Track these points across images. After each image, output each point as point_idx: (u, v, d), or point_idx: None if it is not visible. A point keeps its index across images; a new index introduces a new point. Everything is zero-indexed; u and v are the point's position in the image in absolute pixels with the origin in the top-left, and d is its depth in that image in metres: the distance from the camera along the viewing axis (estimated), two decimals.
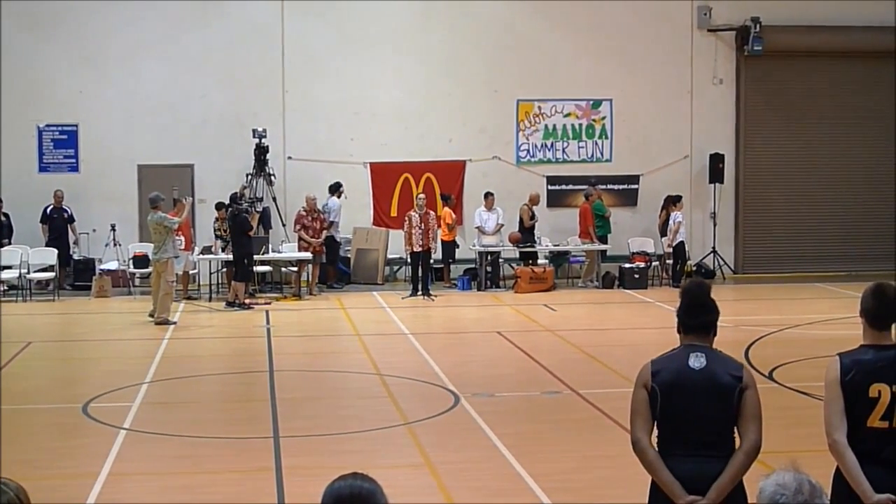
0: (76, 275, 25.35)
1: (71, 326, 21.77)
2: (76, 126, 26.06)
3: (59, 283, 24.58)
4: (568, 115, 27.44)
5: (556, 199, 27.36)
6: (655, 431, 5.99)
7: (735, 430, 5.90)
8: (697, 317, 6.02)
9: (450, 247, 25.68)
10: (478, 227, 25.60)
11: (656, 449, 5.94)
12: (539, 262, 25.91)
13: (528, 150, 27.43)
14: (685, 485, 5.80)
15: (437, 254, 25.31)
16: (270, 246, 24.34)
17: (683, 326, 6.05)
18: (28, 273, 24.23)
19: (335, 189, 25.61)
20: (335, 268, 25.76)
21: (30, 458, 11.27)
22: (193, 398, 14.89)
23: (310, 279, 24.71)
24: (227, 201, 23.88)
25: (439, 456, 11.34)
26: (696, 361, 5.90)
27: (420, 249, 23.96)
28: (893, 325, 6.12)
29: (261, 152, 25.33)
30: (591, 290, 25.43)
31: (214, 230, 24.49)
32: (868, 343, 6.08)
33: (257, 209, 24.38)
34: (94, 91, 25.97)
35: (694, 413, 5.85)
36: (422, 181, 26.80)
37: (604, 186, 26.83)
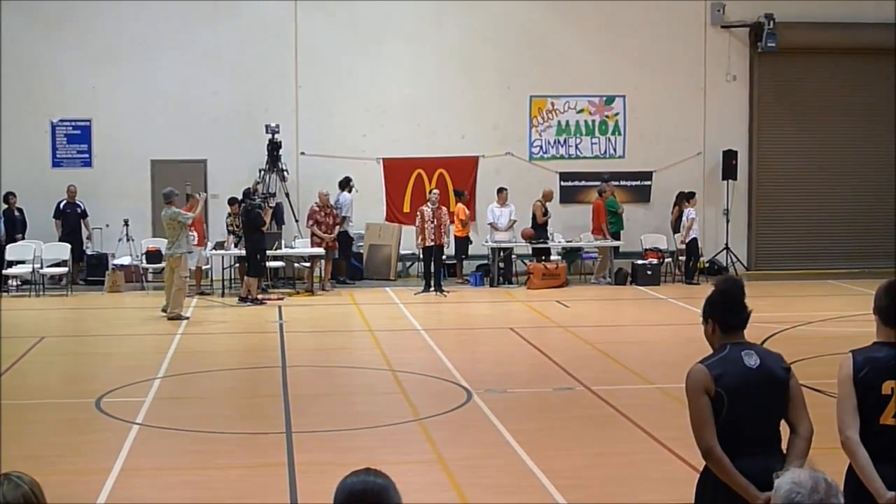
0: (89, 270, 25.40)
1: (84, 321, 21.81)
2: (89, 121, 26.11)
3: (72, 278, 24.63)
4: (581, 111, 27.41)
5: (568, 196, 27.34)
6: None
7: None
8: (739, 314, 6.03)
9: (463, 243, 25.68)
10: (490, 224, 25.58)
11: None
12: (552, 258, 25.90)
13: (541, 147, 27.41)
14: (757, 484, 5.76)
15: (450, 249, 25.32)
16: (283, 241, 24.36)
17: (725, 325, 6.02)
18: (41, 268, 24.30)
19: (345, 184, 25.61)
20: (348, 263, 25.77)
21: (43, 453, 11.30)
22: (206, 393, 14.91)
23: (322, 275, 24.73)
24: (239, 196, 23.93)
25: (451, 452, 11.34)
26: (751, 360, 5.92)
27: (432, 245, 23.96)
28: None
29: (273, 148, 25.34)
30: (603, 287, 25.41)
31: (227, 225, 24.51)
32: (882, 340, 6.07)
33: (270, 205, 24.38)
34: (107, 86, 26.01)
35: (758, 411, 5.86)
36: (434, 177, 26.80)
37: (617, 183, 26.78)
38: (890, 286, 6.12)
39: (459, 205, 25.58)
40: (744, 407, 5.83)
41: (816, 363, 15.65)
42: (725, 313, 6.03)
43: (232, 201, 24.19)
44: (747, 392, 5.85)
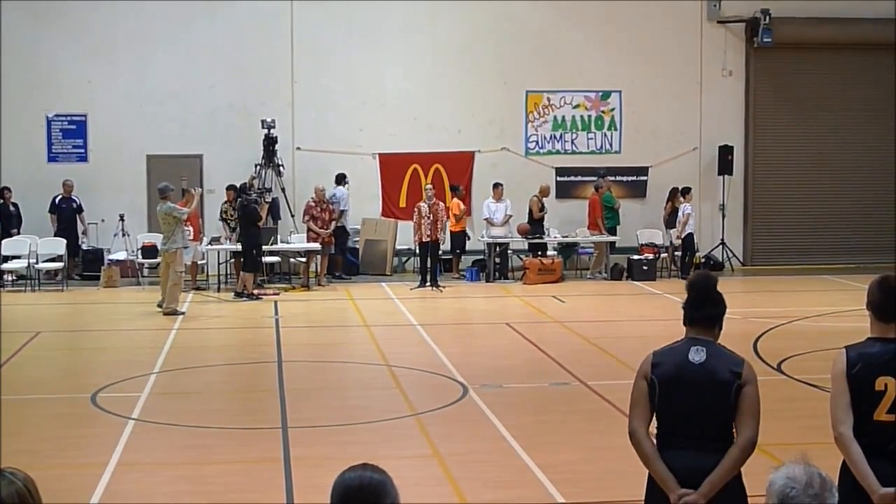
0: (85, 265, 25.37)
1: (79, 316, 21.80)
2: (85, 116, 26.08)
3: (67, 273, 24.61)
4: (577, 106, 27.41)
5: (564, 191, 27.35)
6: (654, 423, 5.99)
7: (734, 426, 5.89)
8: (702, 310, 6.00)
9: (459, 237, 25.69)
10: (486, 219, 25.59)
11: (654, 441, 5.94)
12: (548, 253, 25.90)
13: (537, 142, 27.41)
14: (681, 478, 5.79)
15: (447, 245, 25.32)
16: (279, 236, 24.36)
17: (688, 319, 6.04)
18: (37, 263, 24.26)
19: (341, 179, 25.62)
20: (344, 258, 25.77)
21: (38, 448, 11.30)
22: (202, 388, 14.90)
23: (318, 270, 24.72)
24: (239, 185, 23.97)
25: (447, 447, 11.35)
26: (697, 355, 5.88)
27: (428, 240, 23.96)
28: None
29: (269, 143, 25.33)
30: (599, 282, 25.43)
31: (221, 212, 24.50)
32: (875, 336, 6.08)
33: (266, 200, 24.37)
34: (103, 81, 25.99)
35: (692, 407, 5.84)
36: (430, 172, 26.80)
37: (613, 178, 26.79)
38: (883, 281, 6.12)
39: (454, 199, 25.58)
40: (677, 399, 5.85)
41: (812, 358, 15.70)
42: (689, 306, 6.03)
43: (230, 187, 24.19)
44: (682, 386, 5.85)
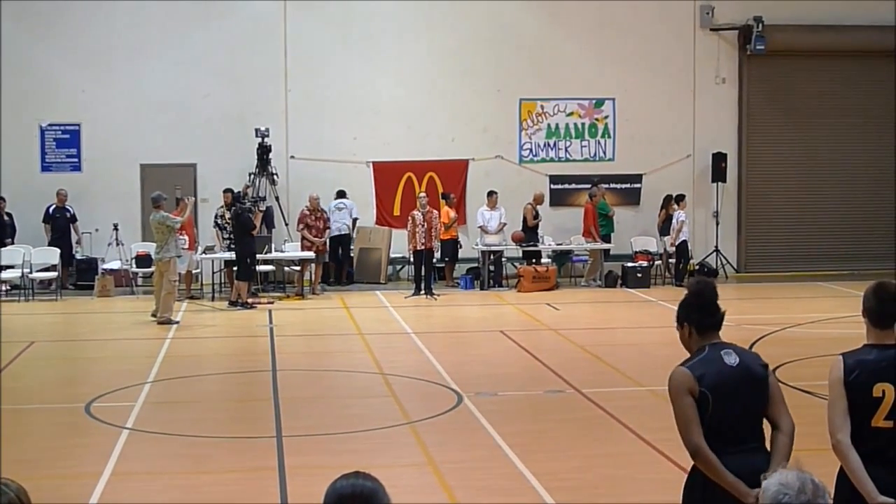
0: (79, 274, 25.36)
1: (73, 326, 21.78)
2: (79, 125, 26.06)
3: (61, 282, 24.59)
4: (571, 114, 27.43)
5: (558, 199, 27.35)
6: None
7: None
8: (714, 315, 6.05)
9: (450, 245, 25.67)
10: (481, 227, 25.60)
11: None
12: (542, 261, 25.91)
13: (531, 150, 27.42)
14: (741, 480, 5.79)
15: (438, 252, 25.33)
16: (273, 245, 24.35)
17: (701, 326, 6.04)
18: (31, 272, 24.23)
19: (343, 194, 25.78)
20: (341, 266, 25.93)
21: (32, 457, 11.27)
22: (196, 398, 14.88)
23: (312, 278, 24.72)
24: (235, 190, 23.97)
25: (442, 455, 11.33)
26: (731, 359, 5.95)
27: (423, 248, 23.96)
28: None
29: (263, 151, 25.35)
30: (593, 290, 25.44)
31: (217, 217, 24.47)
32: (871, 343, 6.07)
33: (260, 208, 24.38)
34: (96, 90, 25.97)
35: (740, 409, 5.89)
36: (424, 180, 26.80)
37: (606, 186, 26.80)
38: (878, 288, 6.12)
39: (445, 207, 25.58)
40: (728, 405, 5.87)
41: (806, 365, 15.69)
42: (701, 315, 6.06)
43: (227, 190, 24.18)
44: (730, 390, 5.88)
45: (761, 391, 5.94)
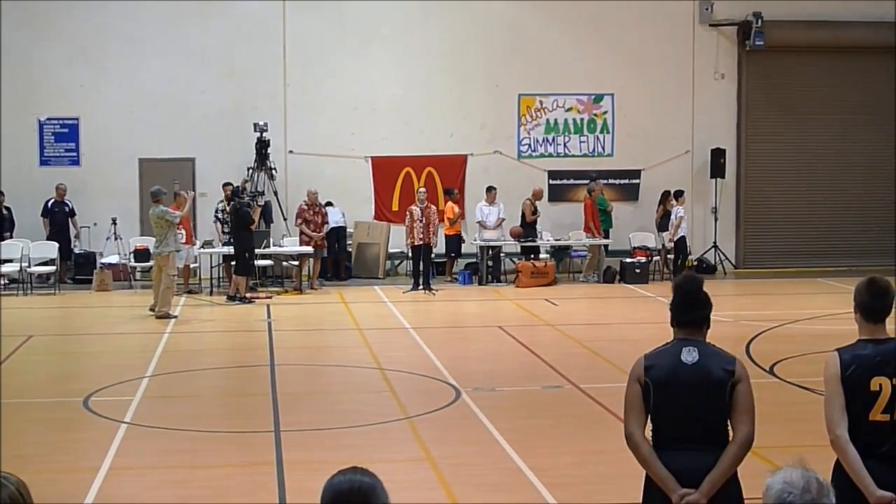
0: (77, 269, 25.36)
1: (72, 320, 21.78)
2: (77, 120, 26.05)
3: (59, 276, 24.58)
4: (569, 109, 27.43)
5: (557, 194, 27.35)
6: (649, 425, 6.00)
7: (729, 423, 5.92)
8: (690, 312, 6.02)
9: (454, 241, 25.65)
10: (479, 222, 25.59)
11: (650, 443, 5.95)
12: (540, 256, 25.92)
13: (530, 145, 27.42)
14: (679, 478, 5.81)
15: (440, 248, 25.31)
16: (272, 240, 24.35)
17: (676, 321, 6.07)
18: (29, 267, 24.23)
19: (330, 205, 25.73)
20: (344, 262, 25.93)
21: (30, 452, 11.27)
22: (194, 392, 14.89)
23: (311, 273, 24.72)
24: (234, 183, 23.96)
25: (440, 450, 11.34)
26: (689, 356, 5.91)
27: (421, 243, 23.96)
28: (888, 318, 6.12)
29: (262, 146, 25.33)
30: (592, 285, 25.44)
31: (217, 211, 24.48)
32: (865, 338, 6.09)
33: (259, 203, 24.37)
34: (94, 85, 25.96)
35: (687, 407, 5.87)
36: (423, 176, 26.80)
37: (605, 181, 26.78)
38: (870, 283, 6.14)
39: (449, 203, 25.58)
40: (670, 401, 5.87)
41: (804, 361, 15.70)
42: (677, 310, 6.06)
43: (227, 184, 24.17)
44: (677, 387, 5.86)
45: (717, 395, 5.84)
